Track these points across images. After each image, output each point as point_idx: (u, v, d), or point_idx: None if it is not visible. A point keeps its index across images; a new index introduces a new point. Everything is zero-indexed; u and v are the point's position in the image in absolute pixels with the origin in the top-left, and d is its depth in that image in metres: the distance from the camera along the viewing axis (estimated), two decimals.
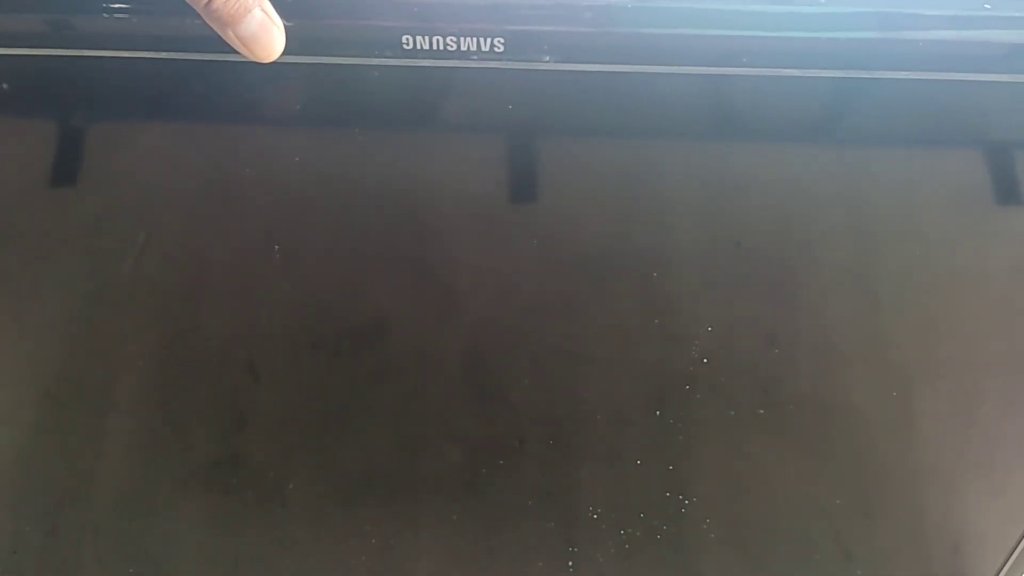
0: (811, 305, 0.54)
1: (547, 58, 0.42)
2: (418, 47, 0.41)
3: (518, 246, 0.52)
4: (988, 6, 0.42)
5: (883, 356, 0.56)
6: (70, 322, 0.55)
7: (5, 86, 0.44)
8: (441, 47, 0.41)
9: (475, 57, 0.42)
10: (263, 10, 0.40)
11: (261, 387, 0.57)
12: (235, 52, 0.41)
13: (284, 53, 0.41)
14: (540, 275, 0.53)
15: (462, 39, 0.41)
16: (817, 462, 0.60)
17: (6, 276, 0.54)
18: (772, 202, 0.51)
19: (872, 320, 0.55)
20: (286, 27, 0.41)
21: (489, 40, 0.41)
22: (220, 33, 0.40)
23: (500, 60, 0.42)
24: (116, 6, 0.43)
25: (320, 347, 0.56)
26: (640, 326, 0.55)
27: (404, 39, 0.41)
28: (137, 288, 0.54)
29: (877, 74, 0.44)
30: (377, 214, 0.51)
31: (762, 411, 0.57)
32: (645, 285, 0.53)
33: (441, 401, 0.58)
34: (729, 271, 0.53)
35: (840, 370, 0.56)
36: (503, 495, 0.60)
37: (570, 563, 0.61)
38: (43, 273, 0.54)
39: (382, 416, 0.59)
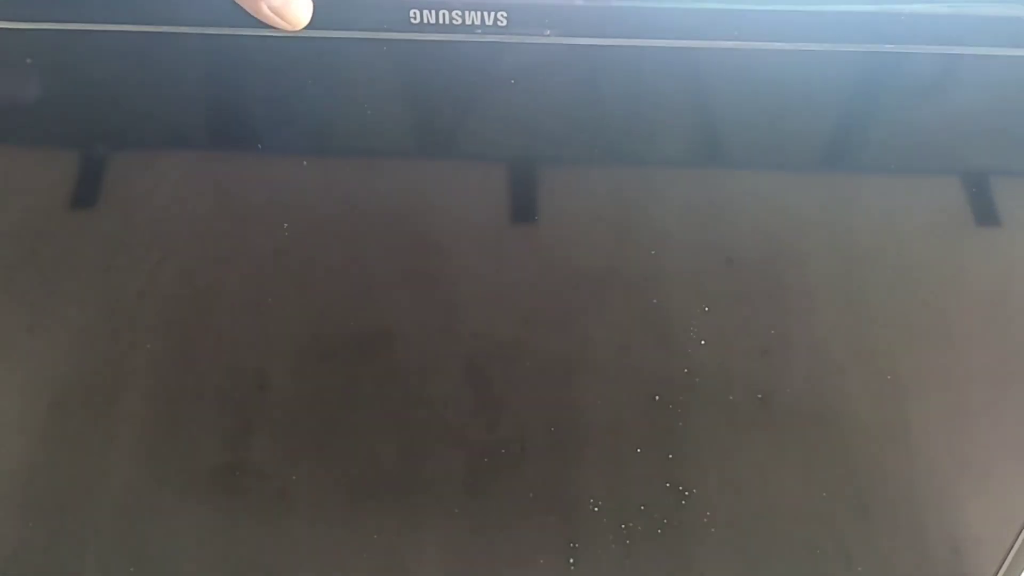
0: (807, 313, 0.55)
1: (548, 32, 0.43)
2: (425, 21, 0.43)
3: (519, 254, 0.53)
4: None
5: (876, 361, 0.57)
6: (81, 330, 0.56)
7: (29, 60, 0.46)
8: (447, 21, 0.43)
9: (479, 31, 0.43)
10: None
11: (268, 396, 0.58)
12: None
13: None
14: (540, 277, 0.54)
15: (467, 12, 0.43)
16: (816, 464, 0.60)
17: (21, 291, 0.55)
18: (764, 218, 0.52)
19: (867, 326, 0.56)
20: None
21: (493, 14, 0.43)
22: (252, 11, 0.42)
23: (503, 34, 0.43)
24: None
25: (327, 358, 0.57)
26: (638, 327, 0.56)
27: (412, 13, 0.43)
28: (149, 300, 0.55)
29: (872, 48, 0.45)
30: (383, 224, 0.53)
31: (759, 418, 0.58)
32: (643, 291, 0.55)
33: (443, 407, 0.58)
34: (725, 282, 0.54)
35: (835, 375, 0.57)
36: (504, 495, 0.60)
37: (571, 560, 0.61)
38: (58, 288, 0.55)
39: (386, 423, 0.59)
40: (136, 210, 0.52)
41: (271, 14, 0.41)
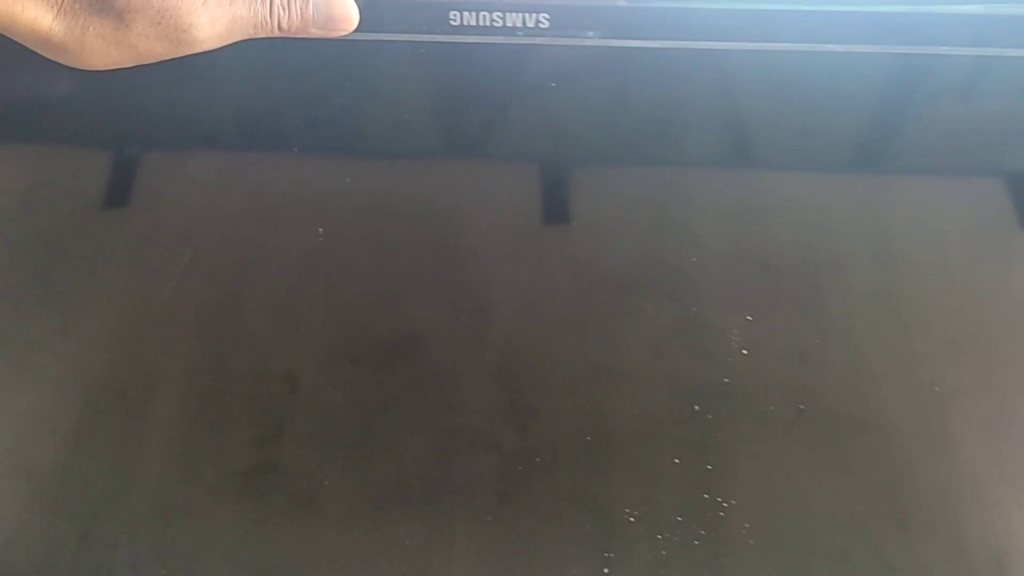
0: (846, 319, 0.55)
1: (591, 33, 0.43)
2: (465, 23, 0.42)
3: (553, 257, 0.53)
4: None
5: (917, 369, 0.56)
6: (113, 331, 0.56)
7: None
8: (488, 23, 0.42)
9: (520, 33, 0.43)
10: None
11: (300, 398, 0.58)
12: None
13: None
14: (574, 281, 0.54)
15: (508, 15, 0.42)
16: (856, 474, 0.59)
17: (53, 291, 0.55)
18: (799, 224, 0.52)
19: (908, 332, 0.55)
20: None
21: (535, 16, 0.42)
22: (303, 36, 0.41)
23: (545, 36, 0.43)
24: None
25: (358, 360, 0.57)
26: (677, 334, 0.55)
27: (452, 15, 0.42)
28: (180, 301, 0.55)
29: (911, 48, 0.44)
30: (417, 225, 0.52)
31: (799, 428, 0.57)
32: (681, 298, 0.54)
33: (477, 410, 0.58)
34: (764, 289, 0.53)
35: (876, 383, 0.56)
36: (537, 502, 0.59)
37: (606, 570, 0.60)
38: (92, 288, 0.55)
39: (418, 426, 0.59)
40: (168, 210, 0.52)
41: (321, 31, 0.41)
